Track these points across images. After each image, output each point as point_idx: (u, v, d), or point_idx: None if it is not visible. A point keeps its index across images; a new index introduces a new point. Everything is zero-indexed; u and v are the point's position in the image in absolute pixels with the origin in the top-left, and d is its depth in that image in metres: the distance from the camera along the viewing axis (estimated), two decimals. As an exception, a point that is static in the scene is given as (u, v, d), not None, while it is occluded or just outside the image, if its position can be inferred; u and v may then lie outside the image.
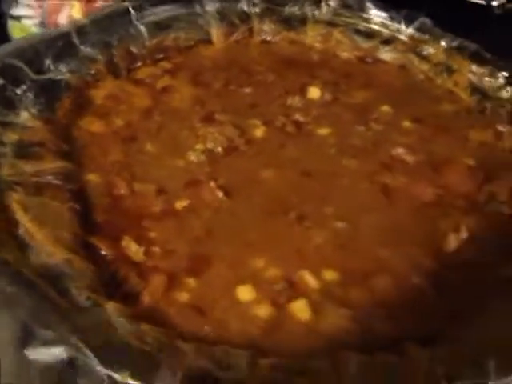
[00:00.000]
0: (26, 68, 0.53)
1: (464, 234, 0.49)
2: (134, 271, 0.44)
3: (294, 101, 0.60)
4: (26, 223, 0.43)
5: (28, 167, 0.47)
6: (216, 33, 0.66)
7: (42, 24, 0.83)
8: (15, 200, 0.44)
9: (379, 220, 0.50)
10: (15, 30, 0.83)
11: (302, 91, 0.62)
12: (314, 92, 0.62)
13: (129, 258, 0.45)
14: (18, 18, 0.83)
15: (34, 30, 0.82)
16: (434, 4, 0.80)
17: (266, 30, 0.68)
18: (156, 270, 0.44)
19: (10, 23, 0.84)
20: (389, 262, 0.47)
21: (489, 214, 0.52)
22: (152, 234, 0.47)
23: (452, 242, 0.49)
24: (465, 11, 0.82)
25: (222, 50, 0.66)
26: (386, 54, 0.68)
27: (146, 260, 0.45)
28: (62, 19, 0.82)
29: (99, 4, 0.81)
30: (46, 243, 0.42)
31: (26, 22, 0.83)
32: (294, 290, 0.44)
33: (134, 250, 0.45)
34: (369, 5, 0.68)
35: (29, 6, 0.83)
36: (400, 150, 0.56)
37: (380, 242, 0.48)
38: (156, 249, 0.46)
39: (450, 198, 0.53)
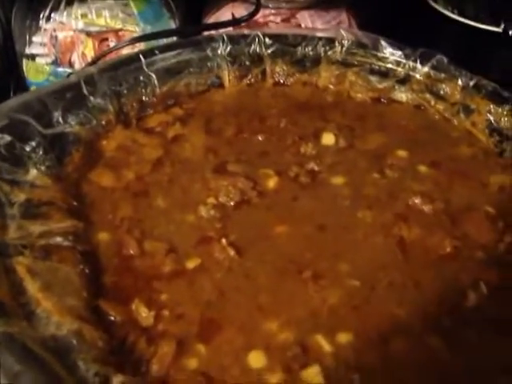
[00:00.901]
0: (34, 123, 0.52)
1: (483, 290, 0.48)
2: (144, 337, 0.43)
3: (308, 148, 0.59)
4: (33, 291, 0.42)
5: (36, 228, 0.46)
6: (228, 76, 0.65)
7: (56, 62, 0.82)
8: (22, 265, 0.43)
9: (395, 277, 0.48)
10: (30, 70, 0.83)
11: (316, 137, 0.60)
12: (328, 138, 0.60)
13: (138, 323, 0.44)
14: (32, 57, 0.83)
15: (48, 68, 0.82)
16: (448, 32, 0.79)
17: (279, 72, 0.67)
18: (165, 335, 0.43)
19: (25, 63, 0.84)
20: (405, 322, 0.45)
21: (509, 266, 0.50)
22: (162, 297, 0.46)
23: (471, 298, 0.47)
24: (480, 40, 0.80)
25: (234, 95, 0.65)
26: (402, 94, 0.66)
27: (156, 324, 0.44)
28: (75, 57, 0.82)
29: (112, 44, 0.80)
30: (55, 312, 0.41)
31: (40, 60, 0.83)
32: (307, 355, 0.43)
33: (143, 314, 0.44)
34: (383, 43, 0.67)
35: (42, 44, 0.83)
36: (417, 200, 0.54)
37: (396, 301, 0.47)
38: (166, 312, 0.45)
39: (469, 250, 0.51)
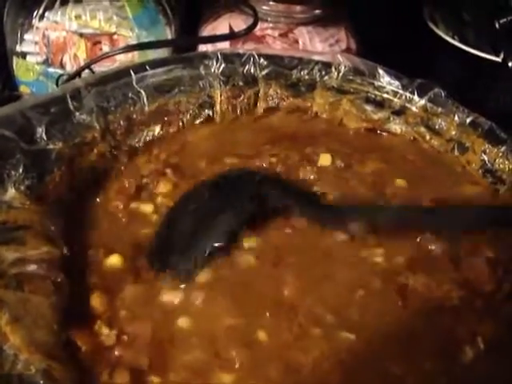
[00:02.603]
0: (16, 138, 0.51)
1: (481, 345, 0.46)
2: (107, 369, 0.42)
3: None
4: (1, 324, 0.40)
5: (9, 254, 0.44)
6: (219, 96, 0.63)
7: (47, 62, 0.81)
8: (-8, 295, 0.41)
9: (392, 327, 0.46)
10: (20, 68, 0.82)
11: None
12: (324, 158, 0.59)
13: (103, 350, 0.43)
14: (22, 55, 0.82)
15: (38, 68, 0.81)
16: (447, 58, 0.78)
17: (272, 95, 0.65)
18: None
19: (15, 61, 0.82)
20: (400, 379, 0.43)
21: (504, 318, 0.48)
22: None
23: (468, 354, 0.45)
24: (479, 68, 0.79)
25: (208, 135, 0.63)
26: (396, 127, 0.65)
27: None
28: (67, 59, 0.80)
29: (105, 47, 0.79)
30: (23, 349, 0.39)
31: (31, 59, 0.82)
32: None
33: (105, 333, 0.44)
34: (381, 72, 0.65)
35: (34, 43, 0.81)
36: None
37: (391, 355, 0.45)
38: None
39: (469, 299, 0.49)
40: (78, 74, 0.68)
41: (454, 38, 0.81)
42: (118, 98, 0.59)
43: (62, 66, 0.83)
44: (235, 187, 0.55)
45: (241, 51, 0.65)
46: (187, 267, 0.49)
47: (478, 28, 0.81)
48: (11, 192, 0.48)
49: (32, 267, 0.45)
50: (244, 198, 0.53)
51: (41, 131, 0.53)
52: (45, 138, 0.53)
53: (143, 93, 0.60)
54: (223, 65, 0.63)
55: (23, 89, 0.85)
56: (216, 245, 0.49)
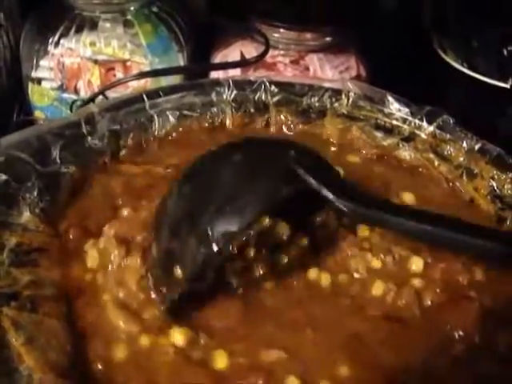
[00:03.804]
0: (31, 161, 0.52)
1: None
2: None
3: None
4: (17, 345, 0.41)
5: (24, 276, 0.45)
6: (230, 122, 0.64)
7: (62, 88, 0.82)
8: (8, 317, 0.42)
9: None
10: (34, 93, 0.83)
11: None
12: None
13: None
14: (38, 81, 0.83)
15: (53, 93, 0.82)
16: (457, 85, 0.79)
17: (283, 122, 0.66)
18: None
19: (30, 86, 0.84)
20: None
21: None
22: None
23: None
24: (488, 95, 0.79)
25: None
26: (406, 153, 0.65)
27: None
28: (81, 85, 0.82)
29: (118, 74, 0.80)
30: (37, 369, 0.40)
31: (46, 84, 0.83)
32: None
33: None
34: (390, 99, 0.66)
35: (49, 69, 0.83)
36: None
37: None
38: None
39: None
40: (91, 99, 0.70)
41: (462, 65, 0.81)
42: (131, 124, 0.59)
43: (76, 91, 0.84)
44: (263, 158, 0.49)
45: (252, 78, 0.65)
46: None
47: (486, 55, 0.81)
48: (26, 215, 0.49)
49: (46, 289, 0.45)
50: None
51: (55, 154, 0.54)
52: (58, 160, 0.54)
53: (156, 118, 0.61)
54: (235, 92, 0.64)
55: (38, 114, 0.86)
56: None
